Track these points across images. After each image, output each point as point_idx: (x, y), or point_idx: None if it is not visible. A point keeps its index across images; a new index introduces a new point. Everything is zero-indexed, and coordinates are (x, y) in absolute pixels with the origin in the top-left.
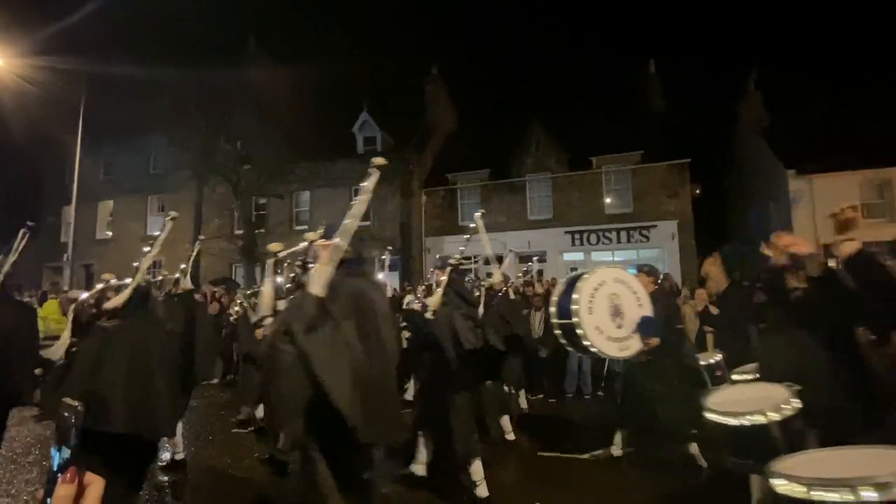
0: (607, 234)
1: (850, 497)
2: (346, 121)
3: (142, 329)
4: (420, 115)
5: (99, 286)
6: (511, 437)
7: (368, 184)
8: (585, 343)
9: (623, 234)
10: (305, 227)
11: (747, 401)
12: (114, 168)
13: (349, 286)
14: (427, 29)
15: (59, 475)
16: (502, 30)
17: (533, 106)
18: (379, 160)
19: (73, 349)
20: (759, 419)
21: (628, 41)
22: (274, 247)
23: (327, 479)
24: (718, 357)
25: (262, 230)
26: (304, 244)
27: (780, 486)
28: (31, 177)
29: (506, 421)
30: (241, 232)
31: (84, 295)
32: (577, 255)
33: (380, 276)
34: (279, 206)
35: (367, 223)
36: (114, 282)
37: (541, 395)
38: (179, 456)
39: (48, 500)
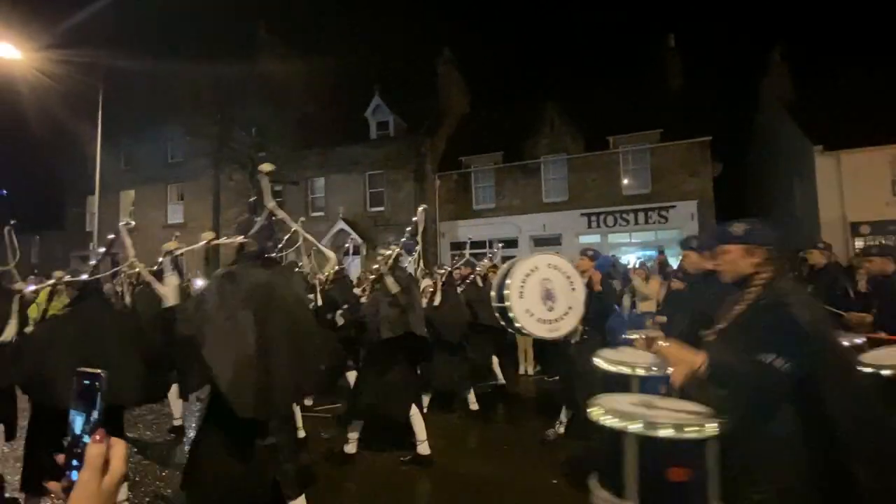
0: (625, 215)
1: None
2: (358, 106)
3: (91, 314)
4: (433, 99)
5: (49, 282)
6: (474, 407)
7: (267, 200)
8: (517, 325)
9: (641, 216)
10: (321, 213)
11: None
12: (133, 158)
13: (252, 277)
14: (439, 10)
15: (86, 437)
16: (515, 8)
17: (547, 85)
18: (266, 167)
19: (24, 333)
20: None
21: (646, 15)
22: (169, 245)
23: (211, 443)
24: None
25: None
26: (202, 243)
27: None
28: (55, 169)
29: (471, 394)
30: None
31: (30, 288)
32: (594, 238)
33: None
34: (295, 192)
35: (381, 209)
36: (67, 277)
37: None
38: (177, 422)
39: (73, 462)
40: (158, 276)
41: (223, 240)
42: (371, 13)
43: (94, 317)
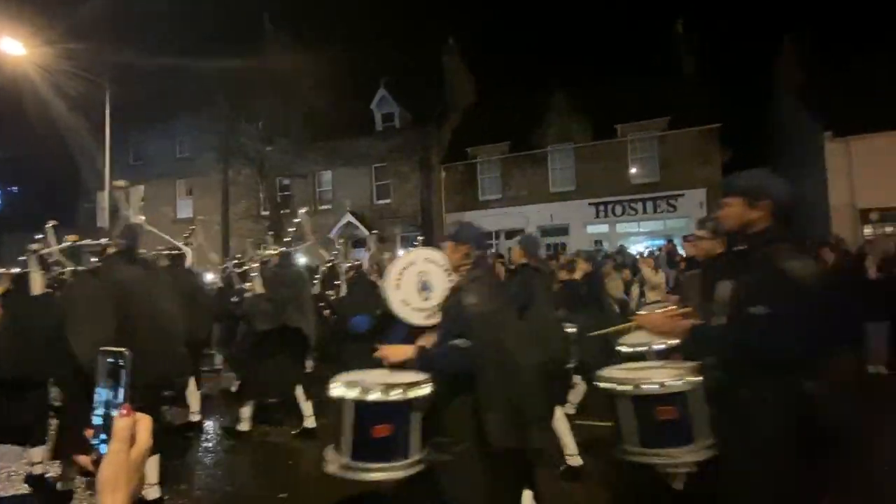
0: (633, 204)
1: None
2: (364, 98)
3: (23, 304)
4: (438, 89)
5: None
6: None
7: (125, 209)
8: (396, 314)
9: (649, 205)
10: (329, 206)
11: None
12: (142, 153)
13: (117, 275)
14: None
15: (114, 412)
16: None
17: (554, 73)
18: (119, 183)
19: None
20: None
21: (654, 1)
22: (70, 238)
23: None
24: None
25: (288, 211)
26: (66, 243)
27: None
28: (66, 165)
29: None
30: (267, 213)
31: None
32: (602, 228)
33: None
34: (303, 186)
35: (388, 201)
36: (2, 270)
37: None
38: (195, 417)
39: (101, 436)
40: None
41: (86, 241)
42: (376, 3)
43: (24, 308)
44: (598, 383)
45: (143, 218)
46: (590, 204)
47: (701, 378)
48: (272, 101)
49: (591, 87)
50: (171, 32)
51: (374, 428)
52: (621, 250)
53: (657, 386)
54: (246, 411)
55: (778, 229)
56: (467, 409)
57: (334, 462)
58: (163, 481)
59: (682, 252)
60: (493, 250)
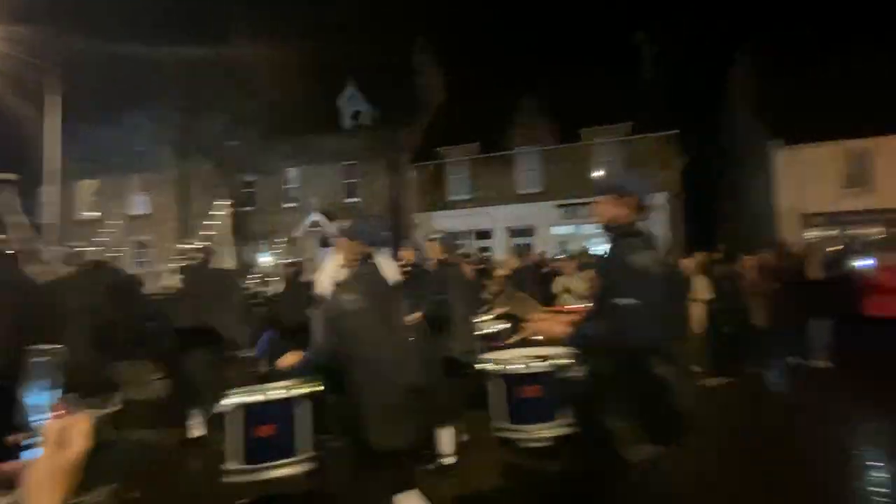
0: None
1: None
2: (332, 95)
3: None
4: (408, 88)
5: None
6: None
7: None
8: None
9: None
10: (295, 204)
11: None
12: (94, 146)
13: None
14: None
15: (42, 416)
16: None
17: (522, 77)
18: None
19: None
20: None
21: (618, 9)
22: None
23: None
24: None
25: (252, 208)
26: None
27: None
28: (12, 159)
29: None
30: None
31: None
32: (568, 229)
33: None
34: (267, 183)
35: (357, 199)
36: None
37: None
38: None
39: (31, 439)
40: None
41: None
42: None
43: None
44: (476, 366)
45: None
46: (556, 205)
47: (565, 361)
48: (237, 95)
49: (557, 91)
50: (130, 19)
51: (259, 428)
52: (585, 251)
53: (523, 366)
54: (194, 419)
55: (637, 224)
56: (344, 407)
57: (229, 468)
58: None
59: None
60: (462, 250)
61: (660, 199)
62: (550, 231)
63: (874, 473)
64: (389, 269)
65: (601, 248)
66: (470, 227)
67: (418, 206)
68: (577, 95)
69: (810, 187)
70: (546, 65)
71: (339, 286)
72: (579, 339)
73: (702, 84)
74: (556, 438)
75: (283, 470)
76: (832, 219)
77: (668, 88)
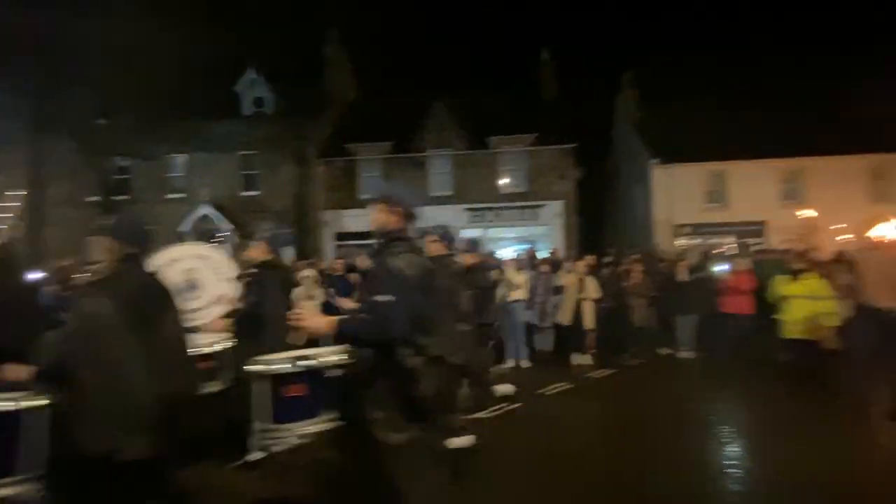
0: (503, 211)
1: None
2: (231, 78)
3: None
4: (317, 80)
5: None
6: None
7: None
8: None
9: (517, 213)
10: (182, 194)
11: None
12: None
13: None
14: None
15: None
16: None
17: (436, 82)
18: None
19: None
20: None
21: (526, 28)
22: None
23: None
24: None
25: (126, 197)
26: None
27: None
28: None
29: None
30: (96, 198)
31: None
32: (476, 232)
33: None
34: (146, 169)
35: (256, 193)
36: None
37: None
38: None
39: None
40: None
41: None
42: None
43: None
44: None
45: None
46: (465, 209)
47: (331, 358)
48: (113, 68)
49: (468, 99)
50: None
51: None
52: (491, 253)
53: (288, 366)
54: None
55: (404, 231)
56: (79, 416)
57: None
58: None
59: (540, 255)
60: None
61: (557, 206)
62: (460, 234)
63: (729, 447)
64: (220, 269)
65: (507, 250)
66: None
67: (327, 204)
68: (486, 104)
69: (680, 201)
70: (457, 72)
71: (88, 288)
72: (343, 335)
73: (596, 103)
74: (320, 434)
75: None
76: (697, 229)
77: (567, 105)
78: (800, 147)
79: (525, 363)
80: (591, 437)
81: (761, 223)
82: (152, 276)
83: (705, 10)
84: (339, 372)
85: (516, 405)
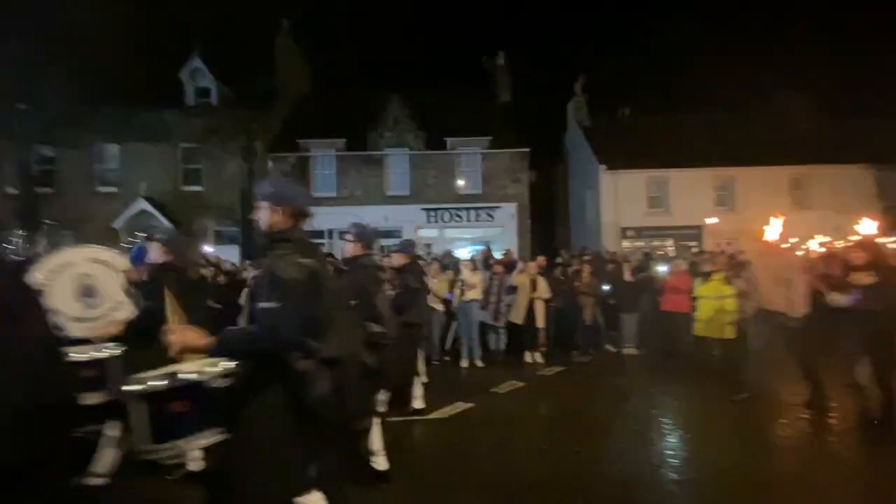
0: (459, 213)
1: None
2: (173, 65)
3: None
4: (268, 71)
5: None
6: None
7: None
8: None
9: (473, 213)
10: (114, 188)
11: None
12: None
13: None
14: None
15: None
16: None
17: (392, 81)
18: None
19: None
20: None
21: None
22: None
23: None
24: None
25: (50, 189)
26: None
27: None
28: None
29: None
30: (15, 191)
31: None
32: (433, 232)
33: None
34: (74, 160)
35: (199, 188)
36: None
37: None
38: None
39: None
40: None
41: None
42: None
43: None
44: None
45: None
46: (422, 209)
47: (213, 371)
48: (34, 47)
49: (427, 100)
50: None
51: None
52: (448, 253)
53: (165, 382)
54: None
55: (291, 231)
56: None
57: None
58: None
59: (496, 256)
60: (325, 249)
61: (512, 209)
62: (418, 234)
63: (667, 439)
64: (110, 274)
65: (465, 251)
66: (335, 226)
67: None
68: (443, 106)
69: (626, 206)
70: (416, 72)
71: None
72: (224, 347)
73: (550, 109)
74: (204, 449)
75: None
76: (641, 232)
77: (522, 110)
78: (732, 158)
79: (479, 363)
80: (541, 434)
81: (698, 227)
82: (17, 274)
83: (654, 26)
84: (224, 382)
85: (470, 405)
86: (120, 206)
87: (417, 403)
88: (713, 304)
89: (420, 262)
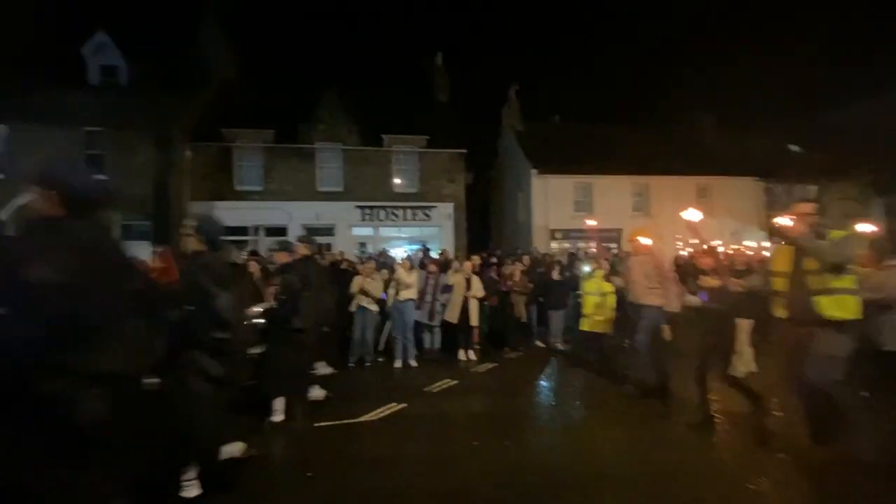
0: (395, 211)
1: None
2: (74, 40)
3: None
4: (186, 52)
5: None
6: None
7: None
8: None
9: (409, 212)
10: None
11: None
12: None
13: None
14: None
15: None
16: None
17: (326, 71)
18: None
19: None
20: None
21: (423, 32)
22: None
23: None
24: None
25: None
26: None
27: None
28: None
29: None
30: None
31: None
32: (367, 230)
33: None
34: None
35: (103, 177)
36: None
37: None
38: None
39: None
40: None
41: None
42: None
43: None
44: None
45: None
46: (356, 206)
47: None
48: None
49: (362, 94)
50: None
51: None
52: (383, 252)
53: None
54: None
55: (60, 220)
56: None
57: None
58: None
59: (433, 255)
60: (249, 247)
61: (448, 208)
62: (351, 231)
63: (594, 429)
64: None
65: (400, 250)
66: (262, 222)
67: (197, 194)
68: (379, 102)
69: (554, 209)
70: (352, 65)
71: None
72: None
73: (485, 112)
74: None
75: None
76: (567, 234)
77: (459, 111)
78: (647, 167)
79: (413, 362)
80: (472, 431)
81: (618, 230)
82: None
83: (587, 41)
84: None
85: (402, 405)
86: (6, 195)
87: (277, 417)
88: (594, 300)
89: (317, 258)
